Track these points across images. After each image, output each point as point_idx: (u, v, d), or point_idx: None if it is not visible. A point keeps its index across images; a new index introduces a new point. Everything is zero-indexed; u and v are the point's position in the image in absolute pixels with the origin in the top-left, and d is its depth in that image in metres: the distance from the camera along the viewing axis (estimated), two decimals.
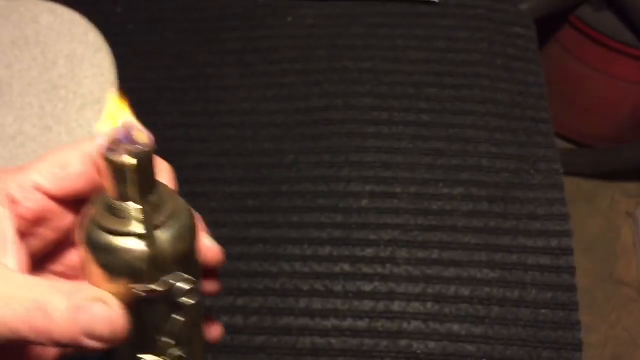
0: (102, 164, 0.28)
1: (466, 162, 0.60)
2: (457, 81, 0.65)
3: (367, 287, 0.55)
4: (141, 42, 0.71)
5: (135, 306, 0.29)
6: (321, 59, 0.67)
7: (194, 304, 0.30)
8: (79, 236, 0.30)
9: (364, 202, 0.59)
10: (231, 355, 0.53)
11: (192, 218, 0.31)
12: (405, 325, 0.53)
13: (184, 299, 0.30)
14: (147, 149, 0.28)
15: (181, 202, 0.31)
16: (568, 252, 0.56)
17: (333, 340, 0.53)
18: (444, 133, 0.62)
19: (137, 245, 0.29)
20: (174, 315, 0.30)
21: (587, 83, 1.40)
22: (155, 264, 0.29)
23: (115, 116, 0.29)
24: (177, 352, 0.31)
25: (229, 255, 0.57)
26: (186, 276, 0.30)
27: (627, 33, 1.30)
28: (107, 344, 0.29)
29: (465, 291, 0.54)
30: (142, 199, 0.28)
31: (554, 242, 0.56)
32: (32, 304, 0.28)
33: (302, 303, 0.54)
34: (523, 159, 0.60)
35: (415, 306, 0.54)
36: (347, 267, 0.56)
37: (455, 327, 0.53)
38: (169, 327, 0.31)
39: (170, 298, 0.30)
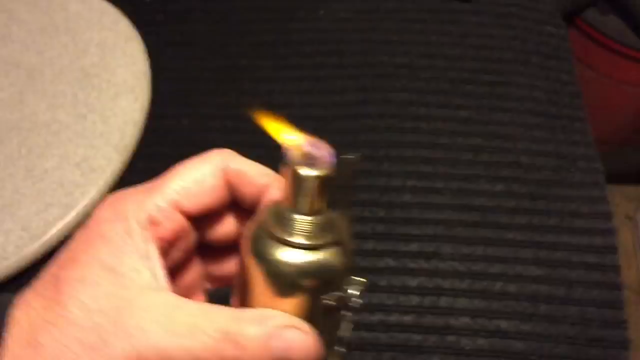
0: (287, 177, 0.28)
1: (506, 159, 0.60)
2: (493, 78, 0.65)
3: (413, 282, 0.55)
4: (171, 33, 0.70)
5: (315, 319, 0.29)
6: (356, 53, 0.67)
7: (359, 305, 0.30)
8: (248, 250, 0.30)
9: (406, 197, 0.58)
10: None
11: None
12: (452, 321, 0.53)
13: (355, 302, 0.30)
14: (332, 164, 0.28)
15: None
16: (612, 250, 0.56)
17: (380, 335, 0.53)
18: (482, 129, 0.62)
19: (332, 256, 0.28)
20: (345, 320, 0.31)
21: (591, 86, 1.41)
22: (345, 273, 0.29)
23: (291, 132, 0.30)
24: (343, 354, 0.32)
25: None
26: (358, 279, 0.30)
27: (632, 37, 1.31)
28: None
29: (512, 288, 0.54)
30: (326, 211, 0.28)
31: (598, 240, 0.56)
32: (220, 334, 0.27)
33: None
34: (562, 156, 0.60)
35: (462, 302, 0.54)
36: (391, 262, 0.55)
37: (503, 324, 0.53)
38: (342, 333, 0.31)
39: (346, 304, 0.30)
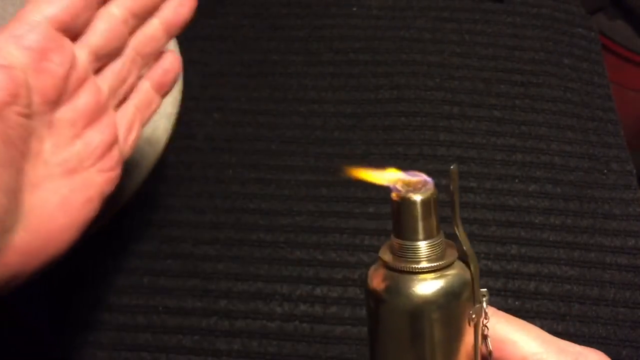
0: (398, 210, 0.29)
1: (539, 160, 0.60)
2: (526, 79, 0.65)
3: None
4: (202, 26, 0.70)
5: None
6: (389, 50, 0.67)
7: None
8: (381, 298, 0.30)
9: (440, 196, 0.58)
10: (311, 345, 0.52)
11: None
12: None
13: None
14: (433, 189, 0.29)
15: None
16: None
17: None
18: (516, 130, 0.62)
19: (463, 271, 0.29)
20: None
21: None
22: (475, 284, 0.30)
23: (383, 171, 0.31)
24: None
25: (305, 244, 0.56)
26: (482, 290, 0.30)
27: (639, 42, 1.32)
28: None
29: (546, 287, 0.54)
30: (432, 235, 0.29)
31: (631, 242, 0.56)
32: None
33: None
34: (595, 158, 0.61)
35: (497, 301, 0.54)
36: None
37: (537, 323, 0.52)
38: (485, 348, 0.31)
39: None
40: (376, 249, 0.55)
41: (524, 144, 0.61)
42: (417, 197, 0.29)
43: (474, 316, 0.29)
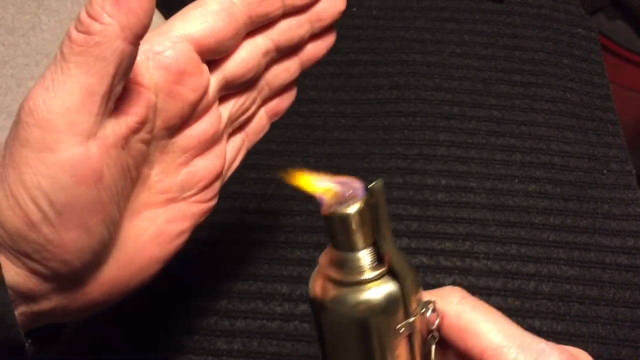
0: (328, 223, 0.28)
1: (539, 160, 0.60)
2: (526, 79, 0.65)
3: (446, 281, 0.55)
4: None
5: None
6: (389, 50, 0.67)
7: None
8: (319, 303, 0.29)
9: (440, 195, 0.58)
10: (311, 345, 0.52)
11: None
12: None
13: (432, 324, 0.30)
14: (365, 197, 0.28)
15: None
16: None
17: None
18: (516, 130, 0.62)
19: (392, 285, 0.28)
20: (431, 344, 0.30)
21: None
22: (410, 297, 0.29)
23: (318, 179, 0.30)
24: None
25: (306, 244, 0.57)
26: (428, 299, 0.30)
27: (638, 42, 1.32)
28: None
29: (545, 287, 0.54)
30: (377, 242, 0.28)
31: (631, 242, 0.56)
32: None
33: None
34: (594, 158, 0.61)
35: (496, 301, 0.54)
36: (425, 260, 0.56)
37: (537, 323, 0.53)
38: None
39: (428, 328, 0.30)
40: None
41: (523, 144, 0.61)
42: (342, 212, 0.27)
43: (401, 330, 0.29)
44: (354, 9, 0.70)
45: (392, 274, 0.28)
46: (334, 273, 0.28)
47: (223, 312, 0.53)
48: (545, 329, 0.53)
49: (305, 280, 0.54)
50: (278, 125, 0.63)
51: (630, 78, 1.38)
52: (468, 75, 0.65)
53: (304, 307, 0.53)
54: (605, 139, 0.62)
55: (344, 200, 0.28)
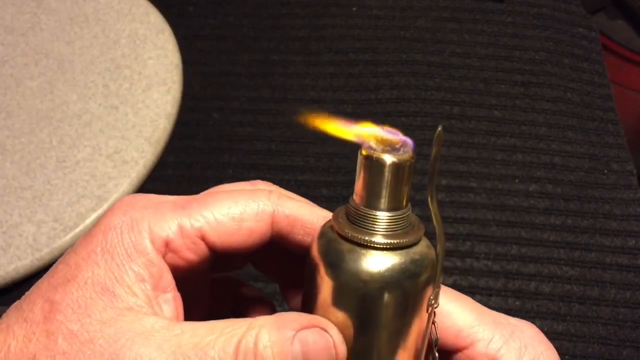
0: (367, 170, 0.25)
1: (540, 160, 0.60)
2: (526, 79, 0.65)
3: (447, 281, 0.55)
4: (201, 25, 0.70)
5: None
6: (389, 50, 0.67)
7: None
8: (317, 256, 0.26)
9: (440, 196, 0.58)
10: None
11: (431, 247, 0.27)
12: None
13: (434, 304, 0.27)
14: (411, 153, 0.25)
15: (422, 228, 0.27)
16: None
17: None
18: (516, 130, 0.62)
19: (427, 250, 0.26)
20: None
21: None
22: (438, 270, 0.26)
23: (357, 124, 0.26)
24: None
25: None
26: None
27: (639, 42, 1.31)
28: None
29: (546, 288, 0.54)
30: (401, 207, 0.25)
31: (631, 242, 0.56)
32: (232, 349, 0.24)
33: None
34: (595, 158, 0.61)
35: (497, 301, 0.54)
36: None
37: (537, 323, 0.53)
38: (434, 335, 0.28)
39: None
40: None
41: (524, 144, 0.61)
42: (389, 159, 0.24)
43: (433, 301, 0.26)
44: (354, 9, 0.70)
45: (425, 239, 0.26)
46: (358, 233, 0.25)
47: None
48: (546, 329, 0.53)
49: None
50: (278, 125, 0.63)
51: (631, 78, 1.37)
52: (468, 75, 0.65)
53: None
54: (606, 138, 0.62)
55: (392, 148, 0.25)
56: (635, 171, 0.60)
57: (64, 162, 0.59)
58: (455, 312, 0.29)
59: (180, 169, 0.61)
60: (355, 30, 0.69)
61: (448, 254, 0.55)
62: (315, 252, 0.26)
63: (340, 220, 0.26)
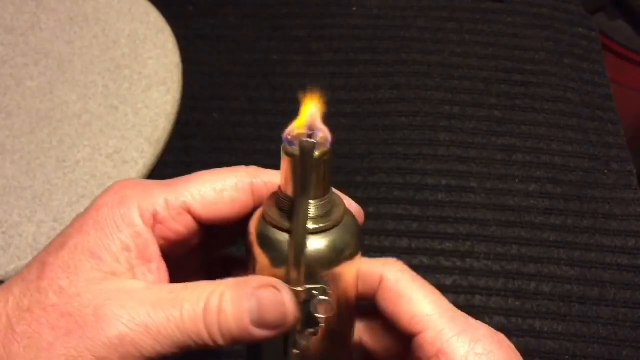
0: (286, 161, 0.28)
1: (540, 160, 0.60)
2: (526, 78, 0.65)
3: (447, 281, 0.55)
4: (201, 25, 0.70)
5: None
6: (389, 50, 0.67)
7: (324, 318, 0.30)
8: (252, 230, 0.30)
9: (440, 196, 0.58)
10: None
11: (355, 237, 0.31)
12: (487, 319, 0.53)
13: (320, 314, 0.30)
14: (317, 146, 0.28)
15: (352, 220, 0.31)
16: None
17: None
18: (516, 130, 0.62)
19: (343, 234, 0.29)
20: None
21: None
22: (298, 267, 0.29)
23: (306, 115, 0.30)
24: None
25: None
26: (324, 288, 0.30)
27: (639, 42, 1.31)
28: (277, 331, 0.29)
29: (546, 288, 0.54)
30: (306, 196, 0.28)
31: (632, 242, 0.56)
32: (202, 302, 0.28)
33: None
34: (595, 158, 0.61)
35: (497, 301, 0.54)
36: (425, 260, 0.55)
37: (537, 324, 0.53)
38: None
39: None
40: (376, 249, 0.55)
41: (524, 144, 0.61)
42: (296, 153, 0.28)
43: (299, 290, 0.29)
44: (354, 9, 0.70)
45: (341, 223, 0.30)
46: (268, 209, 0.29)
47: None
48: (546, 329, 0.53)
49: None
50: (278, 125, 0.63)
51: (631, 77, 1.37)
52: (468, 75, 0.65)
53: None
54: (606, 138, 0.62)
55: (298, 141, 0.28)
56: (635, 171, 0.60)
57: (64, 162, 0.59)
58: (416, 299, 0.31)
59: (180, 169, 0.61)
60: (355, 30, 0.69)
61: (448, 254, 0.55)
62: (252, 235, 0.30)
63: (271, 211, 0.30)
